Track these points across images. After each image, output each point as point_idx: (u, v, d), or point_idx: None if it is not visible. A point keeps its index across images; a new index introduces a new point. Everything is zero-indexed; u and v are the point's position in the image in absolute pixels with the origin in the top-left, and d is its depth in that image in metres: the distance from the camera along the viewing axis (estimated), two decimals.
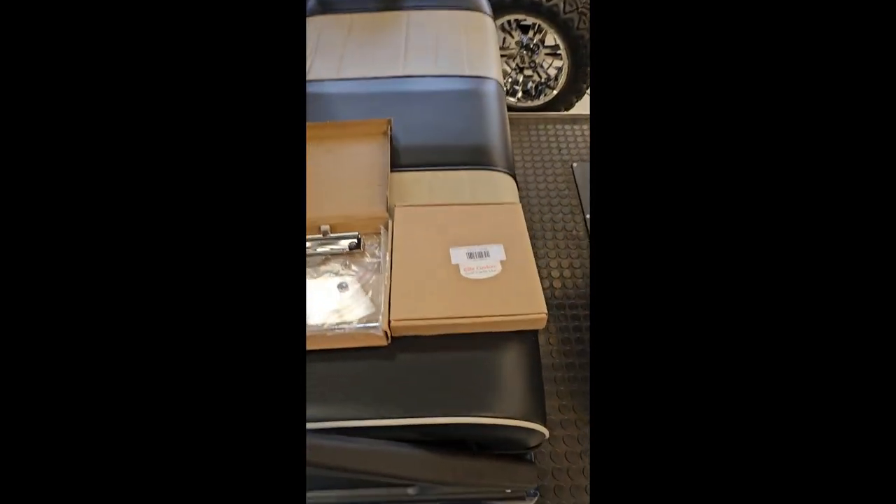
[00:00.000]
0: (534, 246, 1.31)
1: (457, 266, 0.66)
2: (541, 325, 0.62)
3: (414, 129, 0.89)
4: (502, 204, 0.75)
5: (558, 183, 1.43)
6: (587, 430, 1.04)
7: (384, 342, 0.61)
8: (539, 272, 1.30)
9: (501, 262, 0.66)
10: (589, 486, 0.97)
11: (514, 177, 0.86)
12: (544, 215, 1.36)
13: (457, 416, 0.56)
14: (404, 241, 0.69)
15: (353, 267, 0.69)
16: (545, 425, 0.61)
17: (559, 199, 1.40)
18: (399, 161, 0.84)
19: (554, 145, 1.53)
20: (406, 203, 0.76)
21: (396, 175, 0.82)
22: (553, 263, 1.28)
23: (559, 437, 1.03)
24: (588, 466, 1.01)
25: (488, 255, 0.67)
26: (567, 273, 1.26)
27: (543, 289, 1.28)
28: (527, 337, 0.64)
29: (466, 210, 0.73)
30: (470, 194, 0.80)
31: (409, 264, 0.66)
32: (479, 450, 0.63)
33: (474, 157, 0.85)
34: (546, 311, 0.61)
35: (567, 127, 1.59)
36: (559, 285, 1.24)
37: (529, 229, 1.35)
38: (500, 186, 0.82)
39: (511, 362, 0.61)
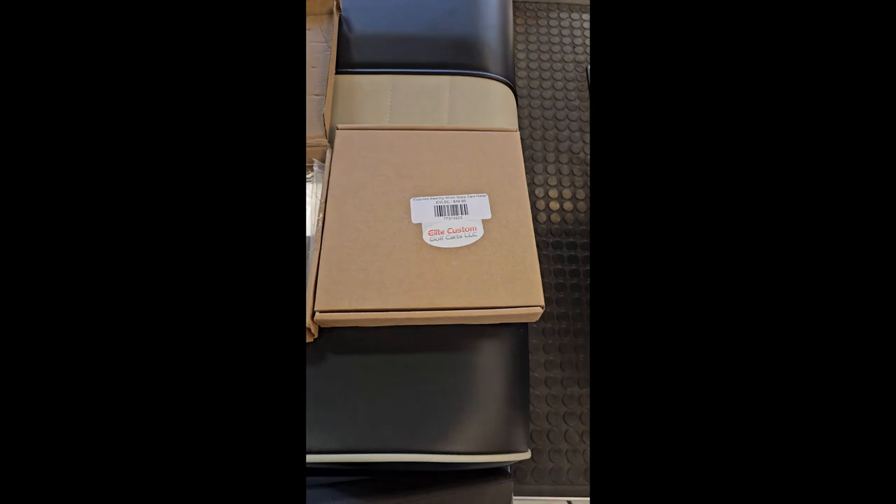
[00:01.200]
0: (530, 169, 1.10)
1: (419, 227, 0.45)
2: (534, 319, 0.44)
3: (376, 9, 0.62)
4: (493, 130, 0.52)
5: (568, 91, 1.16)
6: (574, 389, 0.92)
7: (307, 338, 0.42)
8: (534, 203, 1.08)
9: (484, 221, 0.46)
10: (569, 451, 0.87)
11: (513, 88, 0.62)
12: (547, 132, 1.12)
13: (406, 454, 0.40)
14: (345, 183, 0.47)
15: None
16: (527, 448, 0.45)
17: (567, 111, 1.14)
18: (350, 57, 0.58)
19: (567, 41, 1.23)
20: (353, 123, 0.53)
21: (345, 79, 0.57)
22: (553, 193, 1.07)
23: (542, 396, 0.90)
24: (570, 429, 0.90)
25: (465, 212, 0.46)
26: (568, 205, 1.06)
27: (538, 222, 1.09)
28: (512, 331, 0.46)
29: (440, 138, 0.51)
30: (448, 112, 0.56)
31: (348, 221, 0.45)
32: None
33: (459, 57, 0.60)
34: (543, 302, 0.42)
35: (587, 17, 1.27)
36: (557, 219, 1.04)
37: (527, 149, 1.11)
38: (492, 101, 0.59)
39: (487, 369, 0.44)
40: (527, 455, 0.45)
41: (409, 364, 0.43)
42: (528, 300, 0.42)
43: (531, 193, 1.07)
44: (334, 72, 0.55)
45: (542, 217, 1.05)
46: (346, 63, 0.58)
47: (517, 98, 0.63)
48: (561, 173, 1.08)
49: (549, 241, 1.03)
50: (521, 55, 1.18)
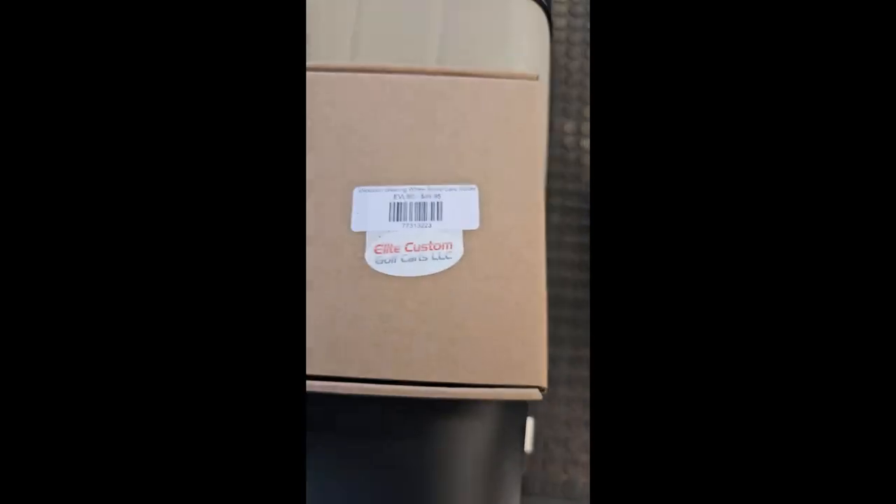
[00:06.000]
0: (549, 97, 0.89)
1: (361, 238, 0.28)
2: (528, 399, 0.28)
3: None
4: (502, 77, 0.33)
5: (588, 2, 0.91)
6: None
7: None
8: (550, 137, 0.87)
9: (466, 234, 0.29)
10: (589, 462, 0.76)
11: (545, 5, 0.41)
12: (573, 57, 0.88)
13: None
14: None
15: None
16: None
17: (584, 32, 0.89)
18: None
19: None
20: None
21: None
22: (569, 127, 0.86)
23: (562, 397, 0.75)
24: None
25: (439, 215, 0.29)
26: (585, 159, 0.85)
27: (552, 160, 0.88)
28: (497, 407, 0.31)
29: (420, 87, 0.32)
30: (440, 40, 0.37)
31: None
32: None
33: None
34: (545, 382, 0.26)
35: None
36: (572, 159, 0.84)
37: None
38: (511, 24, 0.39)
39: (455, 460, 0.29)
40: None
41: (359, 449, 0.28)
42: (521, 377, 0.26)
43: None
44: None
45: (557, 152, 0.85)
46: None
47: (551, 24, 0.42)
48: (582, 115, 0.87)
49: (570, 189, 0.84)
50: None
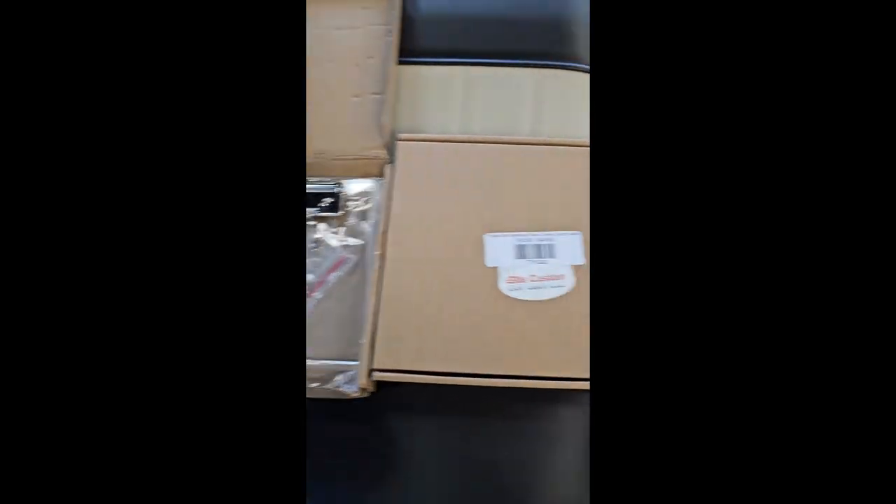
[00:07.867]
0: None
1: (494, 272, 0.38)
2: None
3: None
4: (585, 146, 0.43)
5: None
6: None
7: (361, 393, 0.37)
8: None
9: (575, 268, 0.38)
10: None
11: None
12: None
13: None
14: (410, 212, 0.40)
15: (327, 246, 0.42)
16: None
17: None
18: (416, 44, 0.49)
19: None
20: (419, 131, 0.45)
21: (409, 70, 0.49)
22: None
23: None
24: None
25: (552, 254, 0.38)
26: None
27: None
28: None
29: (524, 155, 0.42)
30: (532, 116, 0.47)
31: (413, 262, 0.38)
32: None
33: (548, 44, 0.49)
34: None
35: None
36: None
37: None
38: (587, 104, 0.48)
39: (563, 440, 0.37)
40: None
41: (488, 435, 0.37)
42: None
43: None
44: (396, 63, 0.47)
45: None
46: (408, 50, 0.49)
47: None
48: None
49: None
50: None
